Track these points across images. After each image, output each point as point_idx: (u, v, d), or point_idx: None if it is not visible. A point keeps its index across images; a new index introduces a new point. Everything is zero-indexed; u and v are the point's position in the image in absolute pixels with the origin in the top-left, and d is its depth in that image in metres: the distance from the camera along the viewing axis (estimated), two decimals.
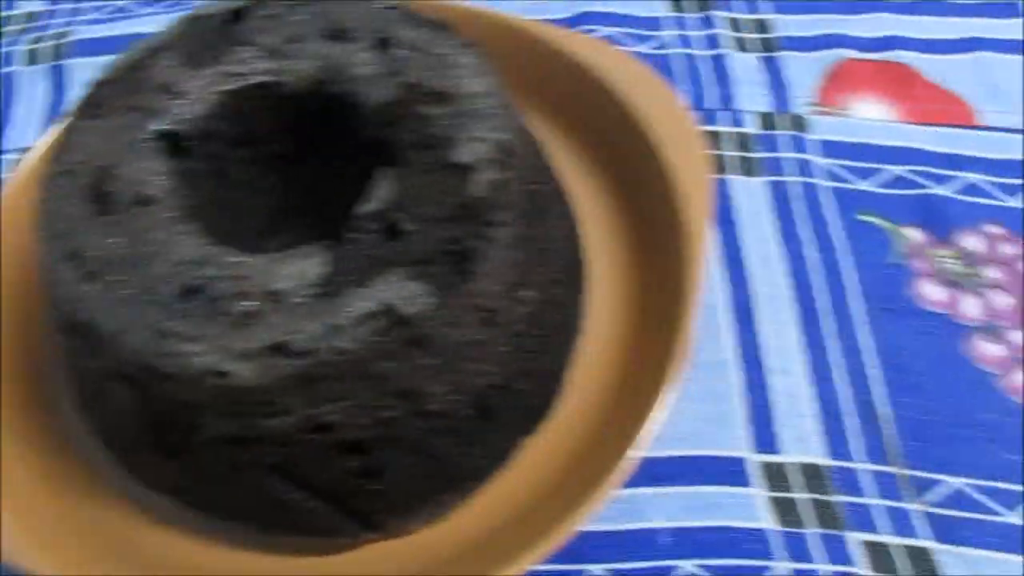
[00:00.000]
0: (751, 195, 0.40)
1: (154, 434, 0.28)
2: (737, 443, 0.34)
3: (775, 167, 0.41)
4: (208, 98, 0.31)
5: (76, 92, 0.47)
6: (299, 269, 0.27)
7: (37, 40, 0.50)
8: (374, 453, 0.28)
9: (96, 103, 0.31)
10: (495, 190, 0.28)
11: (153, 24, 0.49)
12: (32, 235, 0.36)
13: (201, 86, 0.31)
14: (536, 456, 0.32)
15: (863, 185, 0.40)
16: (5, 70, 0.48)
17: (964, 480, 0.33)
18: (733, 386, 0.35)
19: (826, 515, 0.33)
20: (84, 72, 0.48)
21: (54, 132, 0.39)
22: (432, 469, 0.30)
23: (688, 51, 0.46)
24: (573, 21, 0.48)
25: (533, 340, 0.31)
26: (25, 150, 0.45)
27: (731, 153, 0.42)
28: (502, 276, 0.28)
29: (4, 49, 0.49)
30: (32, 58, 0.49)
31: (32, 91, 0.47)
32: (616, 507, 0.33)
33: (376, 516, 0.30)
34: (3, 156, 0.45)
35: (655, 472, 0.34)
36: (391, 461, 0.29)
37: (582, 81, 0.40)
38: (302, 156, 0.34)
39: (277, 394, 0.26)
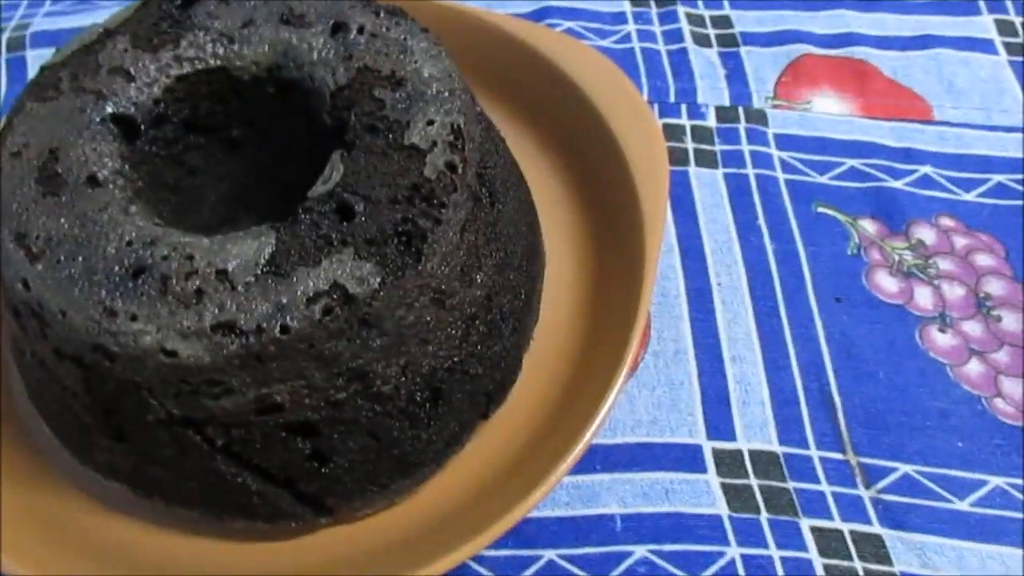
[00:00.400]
0: (711, 187, 0.41)
1: (102, 417, 0.28)
2: (692, 430, 0.34)
3: (734, 160, 0.41)
4: (161, 82, 0.31)
5: None
6: (249, 248, 0.27)
7: None
8: (324, 435, 0.28)
9: (46, 85, 0.31)
10: (447, 172, 0.28)
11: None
12: None
13: (154, 70, 0.31)
14: (490, 441, 0.32)
15: (820, 178, 0.41)
16: None
17: (915, 468, 0.33)
18: (689, 374, 0.36)
19: (780, 502, 0.33)
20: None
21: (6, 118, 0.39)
22: (383, 453, 0.29)
23: (649, 45, 0.46)
24: (536, 15, 0.48)
25: (486, 324, 0.31)
26: None
27: (691, 145, 0.42)
28: (454, 258, 0.28)
29: None
30: None
31: None
32: (570, 493, 0.33)
33: (327, 500, 0.30)
34: None
35: (610, 458, 0.34)
36: (342, 444, 0.28)
37: (544, 73, 0.40)
38: (258, 142, 0.33)
39: (225, 373, 0.26)
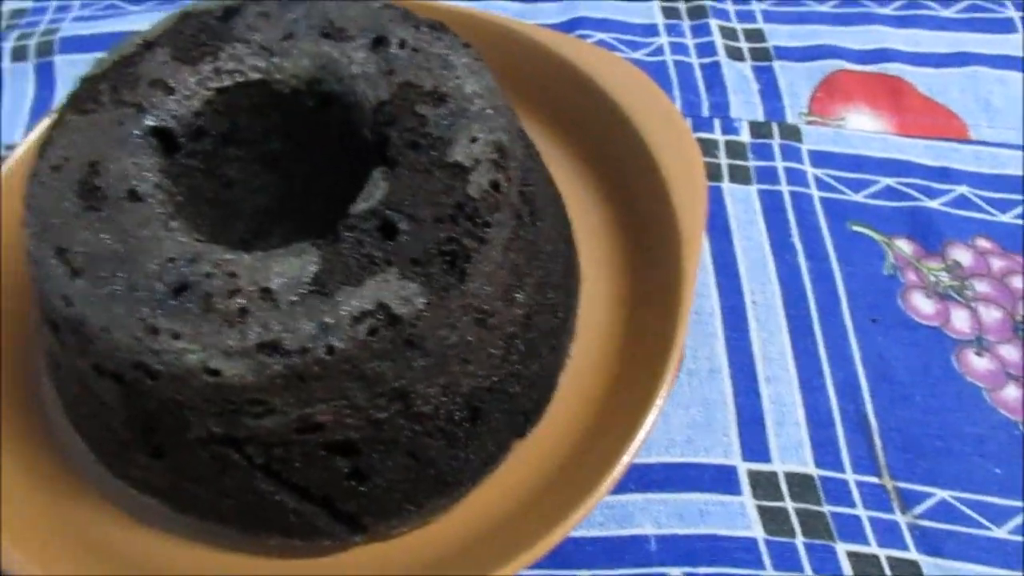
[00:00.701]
0: (744, 203, 0.40)
1: (141, 433, 0.28)
2: (728, 451, 0.34)
3: (768, 176, 0.41)
4: (201, 95, 0.31)
5: (64, 89, 0.47)
6: (292, 267, 0.26)
7: (24, 37, 0.49)
8: (364, 454, 0.28)
9: (86, 97, 0.30)
10: (491, 191, 0.28)
11: (143, 21, 0.49)
12: (19, 232, 0.36)
13: (194, 82, 0.31)
14: (526, 460, 0.32)
15: (855, 196, 0.41)
16: None
17: (952, 493, 0.33)
18: (724, 393, 0.35)
19: (815, 525, 0.32)
20: (72, 69, 0.47)
21: (42, 128, 0.38)
22: (421, 472, 0.29)
23: (682, 58, 0.46)
24: (567, 26, 0.47)
25: (525, 343, 0.30)
26: (12, 147, 0.45)
27: (725, 161, 0.42)
28: (496, 278, 0.28)
29: None
30: (19, 55, 0.48)
31: (19, 88, 0.47)
32: (605, 513, 0.33)
33: (364, 519, 0.30)
34: None
35: (645, 478, 0.33)
36: (380, 463, 0.28)
37: (578, 85, 0.40)
38: (295, 155, 0.33)
39: (268, 393, 0.26)
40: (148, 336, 0.25)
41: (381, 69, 0.31)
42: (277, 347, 0.25)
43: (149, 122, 0.30)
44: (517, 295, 0.29)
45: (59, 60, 0.47)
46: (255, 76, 0.31)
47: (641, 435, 0.30)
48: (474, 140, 0.29)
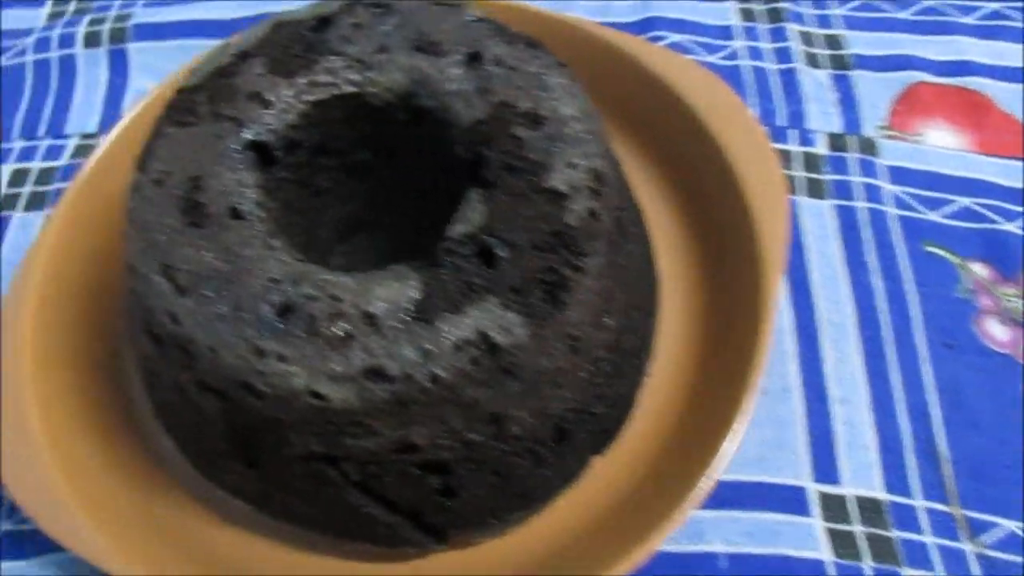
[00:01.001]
0: (819, 218, 0.40)
1: (239, 446, 0.29)
2: (798, 471, 0.34)
3: (844, 191, 0.41)
4: (297, 108, 0.31)
5: (139, 78, 0.47)
6: (394, 292, 0.27)
7: (96, 22, 0.49)
8: (455, 473, 0.29)
9: (184, 109, 0.31)
10: (588, 219, 0.28)
11: (214, 10, 0.49)
12: (102, 232, 0.36)
13: (290, 95, 0.31)
14: (603, 475, 0.33)
15: (931, 215, 0.40)
16: (64, 52, 0.48)
17: (1021, 524, 0.33)
18: (795, 413, 0.36)
19: (883, 550, 0.33)
20: (145, 57, 0.47)
21: (121, 128, 0.39)
22: (506, 488, 0.30)
23: (758, 64, 0.45)
24: (640, 26, 0.47)
25: (612, 364, 0.31)
26: (87, 136, 0.45)
27: (799, 174, 0.42)
28: (590, 304, 0.28)
29: (62, 31, 0.49)
30: (92, 40, 0.48)
31: (92, 75, 0.47)
32: (677, 528, 0.33)
33: (448, 530, 0.30)
34: (66, 141, 0.45)
35: (716, 495, 0.34)
36: (469, 480, 0.29)
37: (652, 90, 0.40)
38: (384, 165, 0.33)
39: (370, 417, 0.26)
40: (255, 358, 0.26)
41: (477, 87, 0.31)
42: (381, 373, 0.26)
43: (247, 136, 0.30)
44: (606, 319, 0.30)
45: (132, 48, 0.47)
46: (350, 89, 0.31)
47: (726, 455, 0.30)
48: (572, 166, 0.29)
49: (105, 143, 0.38)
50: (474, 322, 0.26)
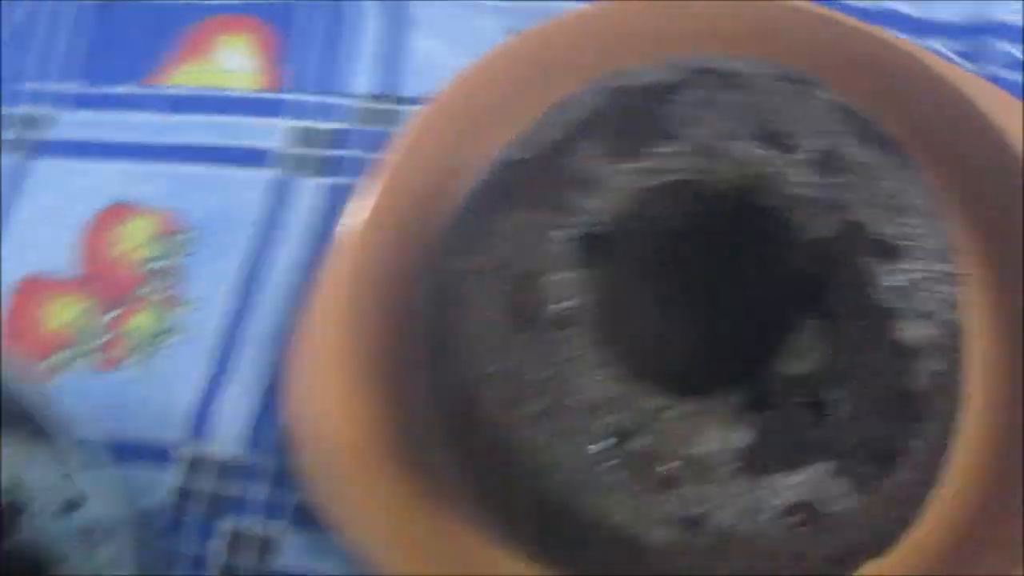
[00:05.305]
0: None
1: (535, 531, 0.30)
2: None
3: None
4: (629, 194, 0.29)
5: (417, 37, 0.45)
6: (723, 435, 0.27)
7: None
8: None
9: (514, 186, 0.30)
10: (936, 381, 0.27)
11: None
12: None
13: (621, 182, 0.29)
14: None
15: None
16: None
17: None
18: None
19: None
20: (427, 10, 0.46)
21: (415, 126, 0.38)
22: None
23: None
24: (972, 33, 0.41)
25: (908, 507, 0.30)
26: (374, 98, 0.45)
27: None
28: (920, 466, 0.27)
29: None
30: None
31: (364, 27, 0.46)
32: None
33: None
34: (350, 100, 0.45)
35: None
36: None
37: (980, 140, 0.36)
38: (696, 258, 0.32)
39: (680, 559, 0.27)
40: (586, 486, 0.26)
41: (825, 196, 0.28)
42: (702, 523, 0.26)
43: (578, 227, 0.29)
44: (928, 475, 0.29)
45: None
46: (689, 177, 0.29)
47: None
48: (925, 316, 0.27)
49: (419, 119, 0.38)
50: (805, 487, 0.26)
